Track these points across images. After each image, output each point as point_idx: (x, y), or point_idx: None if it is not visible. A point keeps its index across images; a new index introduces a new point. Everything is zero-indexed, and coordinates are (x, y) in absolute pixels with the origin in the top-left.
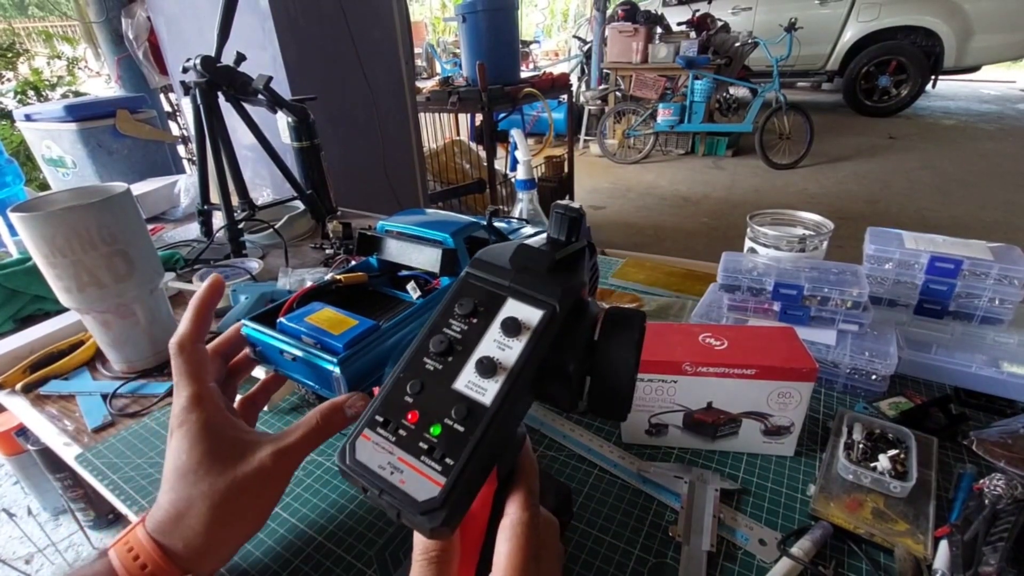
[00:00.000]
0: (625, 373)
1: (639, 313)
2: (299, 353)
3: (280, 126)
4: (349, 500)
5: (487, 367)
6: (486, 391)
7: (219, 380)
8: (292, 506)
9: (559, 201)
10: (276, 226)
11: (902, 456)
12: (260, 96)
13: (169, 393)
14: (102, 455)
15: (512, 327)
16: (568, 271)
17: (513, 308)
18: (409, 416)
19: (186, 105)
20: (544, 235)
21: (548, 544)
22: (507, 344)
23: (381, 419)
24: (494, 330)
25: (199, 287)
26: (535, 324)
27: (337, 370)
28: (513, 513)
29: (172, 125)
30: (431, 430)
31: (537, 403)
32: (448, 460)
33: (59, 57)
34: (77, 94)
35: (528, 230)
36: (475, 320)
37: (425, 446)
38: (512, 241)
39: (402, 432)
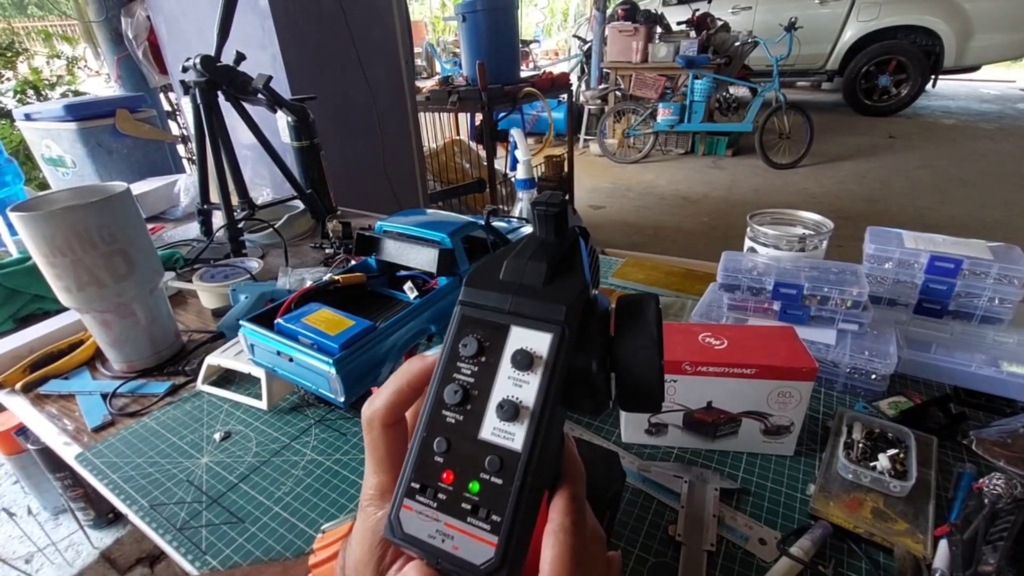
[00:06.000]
0: (651, 367)
1: (652, 299)
2: (296, 354)
3: (280, 126)
4: (348, 500)
5: (508, 412)
6: (514, 435)
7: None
8: (292, 505)
9: (537, 197)
10: (276, 226)
11: (902, 455)
12: (260, 95)
13: (169, 392)
14: (102, 454)
15: (523, 361)
16: (567, 275)
17: (519, 337)
18: (444, 477)
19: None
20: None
21: (595, 554)
22: (523, 380)
23: (418, 486)
24: (505, 367)
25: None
26: (546, 353)
27: (333, 370)
28: (557, 519)
29: (172, 125)
30: (469, 488)
31: None
32: (495, 517)
33: (58, 56)
34: (77, 93)
35: (528, 230)
36: (483, 359)
37: (468, 506)
38: (500, 251)
39: (441, 496)
